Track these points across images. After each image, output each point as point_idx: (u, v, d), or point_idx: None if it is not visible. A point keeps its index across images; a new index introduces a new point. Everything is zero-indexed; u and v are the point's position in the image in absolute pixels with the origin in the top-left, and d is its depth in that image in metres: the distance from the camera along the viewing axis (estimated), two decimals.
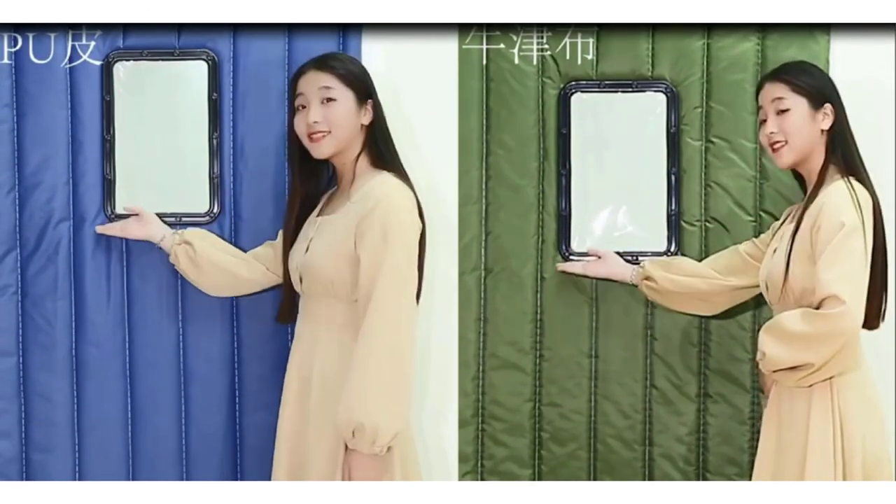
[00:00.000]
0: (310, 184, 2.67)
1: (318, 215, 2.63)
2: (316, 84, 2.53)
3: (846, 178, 2.49)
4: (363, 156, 2.57)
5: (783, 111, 2.53)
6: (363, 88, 2.57)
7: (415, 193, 2.55)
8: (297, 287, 2.61)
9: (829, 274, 2.36)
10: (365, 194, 2.49)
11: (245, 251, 2.81)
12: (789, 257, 2.47)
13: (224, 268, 2.73)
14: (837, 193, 2.45)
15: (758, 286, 2.67)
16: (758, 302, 2.83)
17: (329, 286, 2.50)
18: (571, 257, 2.90)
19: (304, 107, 2.55)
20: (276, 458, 2.59)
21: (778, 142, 2.54)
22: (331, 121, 2.53)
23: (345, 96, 2.54)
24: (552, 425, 2.92)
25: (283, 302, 2.70)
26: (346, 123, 2.54)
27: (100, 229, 2.81)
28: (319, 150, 2.56)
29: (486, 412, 2.93)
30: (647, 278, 2.78)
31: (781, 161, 2.56)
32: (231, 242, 2.83)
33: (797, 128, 2.53)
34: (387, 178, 2.52)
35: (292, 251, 2.62)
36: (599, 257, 2.87)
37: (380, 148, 2.58)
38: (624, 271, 2.84)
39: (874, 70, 2.86)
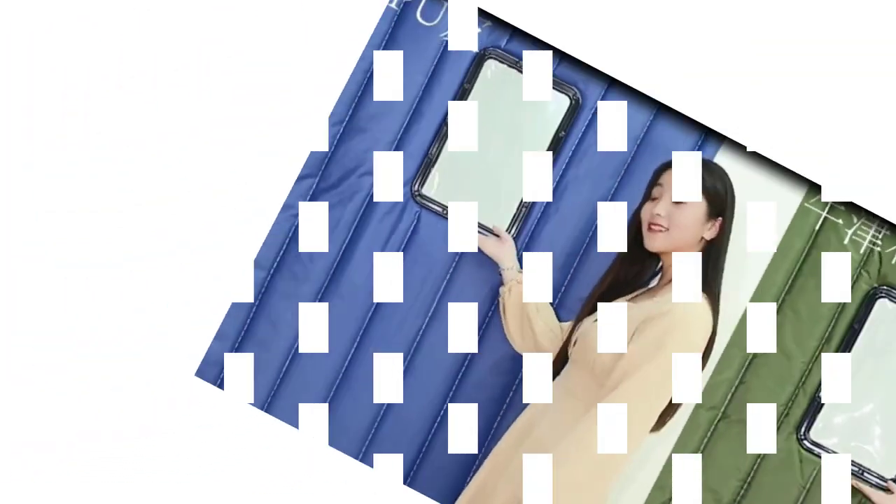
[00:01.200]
0: (629, 270, 2.64)
1: (627, 300, 2.60)
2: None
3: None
4: None
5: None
6: (719, 204, 2.54)
7: (715, 322, 2.50)
8: (569, 348, 2.60)
9: None
10: (668, 299, 2.47)
11: None
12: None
13: (535, 333, 2.74)
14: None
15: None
16: None
17: (591, 361, 2.48)
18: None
19: (656, 198, 2.55)
20: (469, 485, 2.64)
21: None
22: (673, 220, 2.51)
23: (696, 203, 2.52)
24: None
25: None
26: (687, 228, 2.52)
27: None
28: (652, 243, 2.55)
29: None
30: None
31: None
32: None
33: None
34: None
35: (585, 318, 2.61)
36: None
37: (707, 267, 2.54)
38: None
39: None
